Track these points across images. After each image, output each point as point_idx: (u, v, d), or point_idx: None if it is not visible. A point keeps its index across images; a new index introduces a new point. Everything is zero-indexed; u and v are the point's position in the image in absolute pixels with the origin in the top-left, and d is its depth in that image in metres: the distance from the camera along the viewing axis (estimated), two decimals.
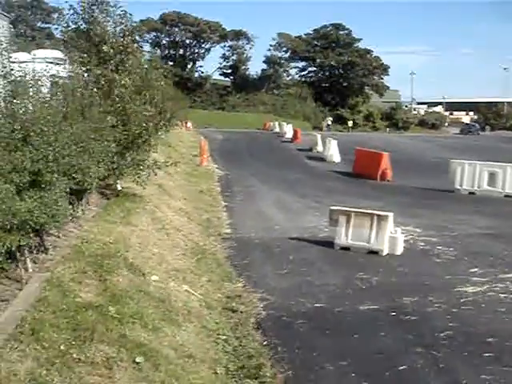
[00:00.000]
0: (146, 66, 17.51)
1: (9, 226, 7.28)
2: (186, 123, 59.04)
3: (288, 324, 9.22)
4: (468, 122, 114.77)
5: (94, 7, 14.99)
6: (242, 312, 9.53)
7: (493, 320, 9.42)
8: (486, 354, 8.09)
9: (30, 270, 8.19)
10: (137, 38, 18.91)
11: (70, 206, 9.64)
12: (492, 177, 22.65)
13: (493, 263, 12.75)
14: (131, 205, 14.00)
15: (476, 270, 12.17)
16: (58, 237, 9.92)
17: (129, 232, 11.67)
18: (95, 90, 14.00)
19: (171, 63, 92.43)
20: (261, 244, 14.41)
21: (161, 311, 8.35)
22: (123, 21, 15.58)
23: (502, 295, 10.61)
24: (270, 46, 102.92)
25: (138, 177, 14.48)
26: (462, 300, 10.31)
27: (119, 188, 14.94)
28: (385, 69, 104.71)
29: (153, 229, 13.06)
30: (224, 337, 8.48)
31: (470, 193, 22.77)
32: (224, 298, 10.23)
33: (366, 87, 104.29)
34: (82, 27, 15.20)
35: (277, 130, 64.49)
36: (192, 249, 12.97)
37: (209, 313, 9.27)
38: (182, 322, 8.38)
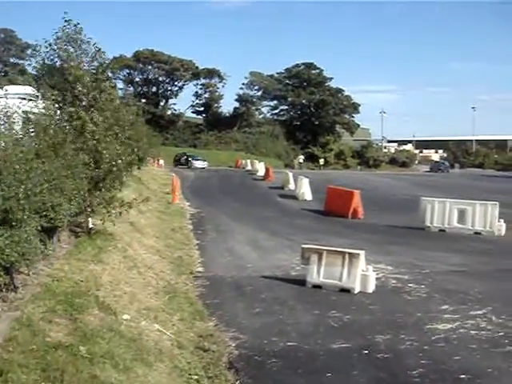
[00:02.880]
0: (119, 103, 17.55)
1: None
2: (159, 160, 59.06)
3: (260, 363, 9.16)
4: (438, 160, 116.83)
5: (68, 44, 15.00)
6: (214, 351, 9.45)
7: (465, 357, 9.45)
8: None
9: None
10: (110, 74, 18.92)
11: (41, 244, 9.54)
12: (462, 214, 22.91)
13: (463, 300, 12.83)
14: (102, 243, 13.90)
15: (447, 307, 12.25)
16: (28, 275, 9.79)
17: (100, 270, 11.58)
18: (68, 127, 13.98)
19: (144, 100, 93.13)
20: (233, 282, 14.36)
21: (132, 351, 8.25)
22: (97, 57, 15.63)
23: (473, 332, 10.68)
24: (243, 84, 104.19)
25: (109, 215, 14.44)
26: (433, 337, 10.35)
27: (90, 226, 14.84)
28: (355, 107, 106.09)
29: (124, 267, 12.97)
30: (196, 377, 8.39)
31: (440, 230, 22.97)
32: (196, 337, 10.14)
33: (337, 125, 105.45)
34: (57, 64, 15.19)
35: (249, 167, 64.75)
36: (164, 287, 12.87)
37: (181, 352, 9.18)
38: (154, 361, 8.28)
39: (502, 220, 22.77)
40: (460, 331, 10.72)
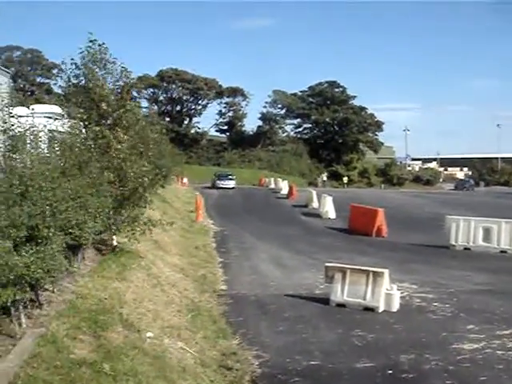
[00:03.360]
0: (143, 122, 17.71)
1: (5, 281, 7.27)
2: (182, 179, 59.34)
3: (283, 382, 9.14)
4: (462, 178, 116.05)
5: (94, 64, 15.21)
6: (237, 370, 9.45)
7: (491, 377, 9.34)
8: None
9: (24, 326, 8.14)
10: (134, 93, 19.14)
11: (66, 261, 9.62)
12: (487, 232, 22.67)
13: (489, 320, 12.67)
14: (126, 260, 13.97)
15: (472, 326, 12.11)
16: (53, 292, 9.88)
17: (124, 288, 11.63)
18: (93, 145, 14.13)
19: (168, 119, 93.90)
20: (256, 301, 14.34)
21: (155, 368, 8.27)
22: (122, 76, 15.82)
23: (500, 352, 10.53)
24: (266, 103, 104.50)
25: (133, 233, 14.52)
26: (458, 357, 10.24)
27: (115, 243, 14.94)
28: (379, 125, 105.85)
29: (148, 285, 13.01)
30: None
31: (465, 248, 22.73)
32: (219, 355, 10.13)
33: (361, 143, 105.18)
34: (82, 83, 15.39)
35: (272, 186, 64.76)
36: (187, 305, 12.89)
37: (204, 370, 9.17)
38: (177, 379, 8.29)
39: None
40: (486, 351, 10.58)
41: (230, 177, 68.24)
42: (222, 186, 64.43)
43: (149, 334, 9.59)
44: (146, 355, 8.58)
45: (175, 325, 11.00)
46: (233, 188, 63.83)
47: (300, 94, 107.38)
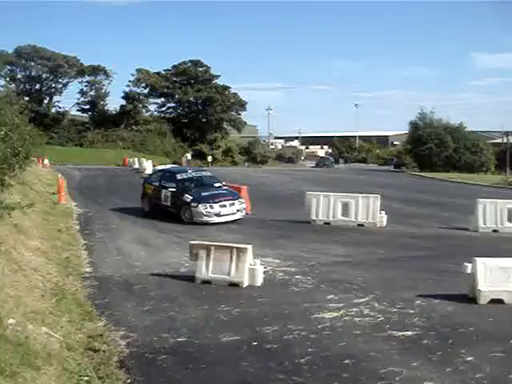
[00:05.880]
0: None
1: None
2: (43, 160, 57.31)
3: (151, 360, 9.18)
4: (323, 156, 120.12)
5: None
6: (104, 351, 9.37)
7: (349, 343, 9.86)
8: (345, 375, 8.51)
9: None
10: None
11: None
12: (345, 207, 23.64)
13: (348, 289, 13.33)
14: None
15: (332, 296, 12.70)
16: None
17: None
18: None
19: (27, 98, 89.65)
20: (122, 282, 14.25)
21: (19, 355, 8.04)
22: None
23: (357, 319, 11.15)
24: (129, 81, 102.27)
25: None
26: (319, 326, 10.72)
27: None
28: (242, 104, 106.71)
29: (9, 270, 12.55)
30: (86, 378, 8.29)
31: (325, 223, 23.61)
32: (85, 338, 10.00)
33: (225, 123, 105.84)
34: None
35: (136, 166, 63.85)
36: (51, 289, 12.57)
37: (70, 354, 9.03)
38: (42, 365, 8.11)
39: (383, 212, 23.73)
40: (345, 319, 11.16)
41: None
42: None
43: (10, 321, 9.29)
44: (8, 343, 8.32)
45: (39, 310, 10.72)
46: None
47: (164, 72, 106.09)
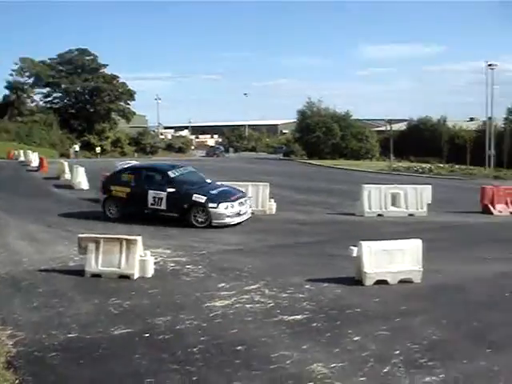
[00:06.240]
0: None
1: None
2: None
3: (41, 359, 8.94)
4: (213, 145, 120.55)
5: None
6: None
7: (241, 329, 10.01)
8: (237, 361, 8.63)
9: None
10: None
11: None
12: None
13: (238, 277, 13.50)
14: None
15: (223, 284, 12.83)
16: None
17: None
18: None
19: None
20: (8, 279, 13.74)
21: None
22: None
23: (248, 305, 11.34)
24: (12, 70, 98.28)
25: None
26: (211, 314, 10.80)
27: None
28: (131, 94, 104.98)
29: None
30: None
31: None
32: None
33: (113, 113, 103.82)
34: None
35: (22, 158, 61.66)
36: None
37: None
38: None
39: (272, 200, 24.12)
40: (236, 306, 11.31)
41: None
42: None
43: None
44: None
45: None
46: None
47: (49, 61, 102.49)
